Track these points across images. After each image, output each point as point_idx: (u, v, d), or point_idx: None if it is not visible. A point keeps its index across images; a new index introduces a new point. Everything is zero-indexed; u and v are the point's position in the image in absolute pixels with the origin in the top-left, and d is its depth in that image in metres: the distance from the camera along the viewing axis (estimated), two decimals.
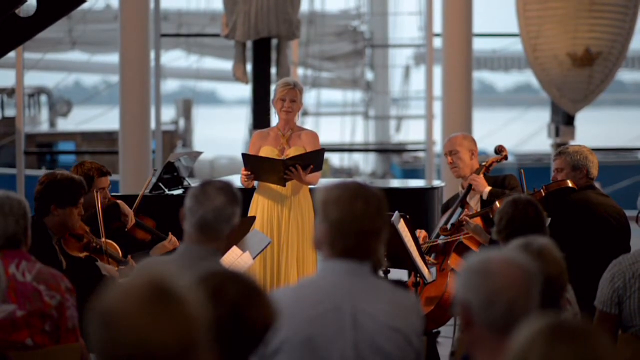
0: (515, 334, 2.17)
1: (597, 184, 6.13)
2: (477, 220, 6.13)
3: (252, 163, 6.53)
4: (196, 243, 3.75)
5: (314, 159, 6.52)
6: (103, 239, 5.78)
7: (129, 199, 6.38)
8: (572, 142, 11.52)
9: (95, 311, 2.04)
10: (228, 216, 3.74)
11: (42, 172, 15.53)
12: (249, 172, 6.52)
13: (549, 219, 5.74)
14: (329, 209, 3.14)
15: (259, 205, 6.61)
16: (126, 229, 6.08)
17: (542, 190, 5.92)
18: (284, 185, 6.53)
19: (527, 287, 2.68)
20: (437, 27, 11.44)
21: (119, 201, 6.13)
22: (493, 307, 2.65)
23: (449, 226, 6.23)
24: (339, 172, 20.70)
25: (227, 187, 3.77)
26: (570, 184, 5.91)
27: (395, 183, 11.20)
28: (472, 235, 6.07)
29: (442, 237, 6.27)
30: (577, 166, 5.95)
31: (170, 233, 6.14)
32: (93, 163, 6.02)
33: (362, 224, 3.12)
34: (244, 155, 6.58)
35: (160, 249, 6.08)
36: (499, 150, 6.60)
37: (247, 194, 6.24)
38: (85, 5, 9.52)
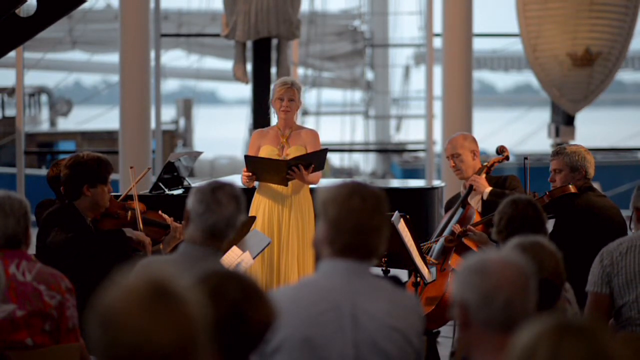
0: (519, 333, 2.17)
1: (596, 185, 6.14)
2: (480, 228, 6.11)
3: (255, 165, 6.52)
4: (199, 245, 3.75)
5: (316, 159, 6.52)
6: (136, 206, 5.72)
7: (130, 198, 6.37)
8: (572, 142, 11.54)
9: (95, 311, 2.04)
10: (236, 222, 3.74)
11: (42, 171, 15.57)
12: (251, 174, 6.51)
13: (553, 220, 5.75)
14: (327, 208, 3.15)
15: (259, 205, 6.61)
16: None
17: (545, 197, 5.91)
18: (286, 185, 6.53)
19: (523, 286, 2.70)
20: (437, 27, 11.44)
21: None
22: (491, 304, 2.67)
23: (454, 236, 6.17)
24: (340, 172, 20.68)
25: (237, 193, 3.75)
26: (572, 189, 5.90)
27: (396, 183, 11.21)
28: (478, 244, 6.04)
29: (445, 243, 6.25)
30: (575, 167, 5.94)
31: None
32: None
33: (359, 220, 3.12)
34: (246, 157, 6.56)
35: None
36: (501, 150, 6.59)
37: (247, 193, 6.23)
38: (85, 5, 9.52)
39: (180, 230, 5.58)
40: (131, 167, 6.23)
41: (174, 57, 20.32)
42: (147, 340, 2.00)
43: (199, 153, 8.01)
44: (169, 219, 5.75)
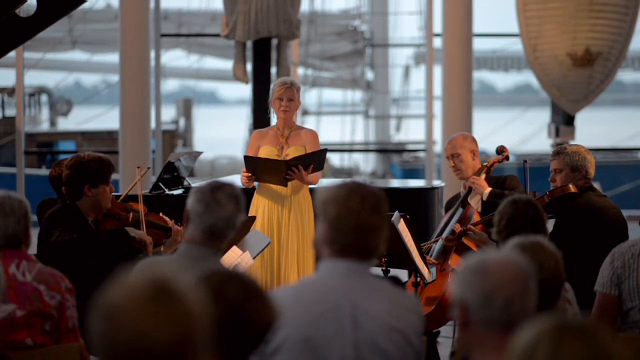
0: (519, 333, 2.17)
1: (597, 185, 6.13)
2: (480, 228, 6.11)
3: (254, 165, 6.51)
4: (199, 245, 3.75)
5: (316, 159, 6.51)
6: (141, 208, 5.71)
7: (130, 199, 6.37)
8: (572, 142, 11.53)
9: (97, 307, 2.04)
10: (236, 222, 3.74)
11: (42, 171, 15.59)
12: (250, 174, 6.50)
13: (553, 220, 5.74)
14: (327, 208, 3.15)
15: (259, 206, 6.60)
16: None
17: (545, 197, 5.91)
18: (286, 186, 6.52)
19: (523, 285, 2.71)
20: (437, 27, 11.44)
21: None
22: (491, 304, 2.67)
23: (454, 235, 6.17)
24: (340, 172, 20.68)
25: (236, 192, 3.74)
26: (572, 189, 5.89)
27: (395, 183, 11.20)
28: (478, 244, 6.04)
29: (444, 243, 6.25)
30: (576, 167, 5.93)
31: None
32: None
33: (359, 219, 3.12)
34: (245, 157, 6.56)
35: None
36: (501, 150, 6.59)
37: (247, 193, 6.23)
38: (85, 5, 9.52)
39: (182, 234, 5.58)
40: (138, 167, 6.24)
41: (174, 57, 20.35)
42: (148, 337, 2.00)
43: (199, 153, 8.01)
44: (170, 222, 5.75)
